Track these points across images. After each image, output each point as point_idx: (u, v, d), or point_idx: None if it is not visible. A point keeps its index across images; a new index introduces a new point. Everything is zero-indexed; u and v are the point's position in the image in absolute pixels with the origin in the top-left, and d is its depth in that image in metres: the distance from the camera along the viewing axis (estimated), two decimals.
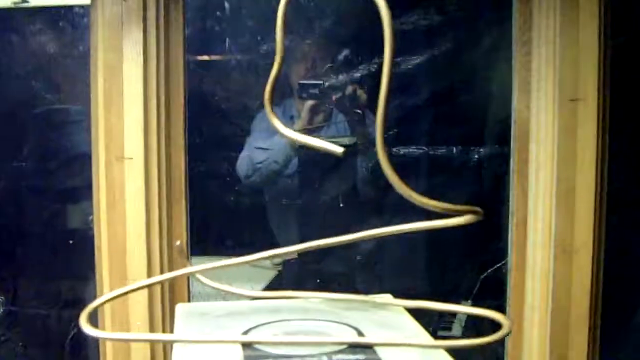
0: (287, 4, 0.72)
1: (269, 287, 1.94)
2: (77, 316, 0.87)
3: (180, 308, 1.04)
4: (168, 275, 1.17)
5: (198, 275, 1.03)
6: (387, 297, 1.05)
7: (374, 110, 1.99)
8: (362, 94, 1.88)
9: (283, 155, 1.96)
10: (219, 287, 1.05)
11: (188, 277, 1.35)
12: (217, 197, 1.96)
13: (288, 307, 1.02)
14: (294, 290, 1.05)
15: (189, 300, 1.43)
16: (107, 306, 1.32)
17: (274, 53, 0.82)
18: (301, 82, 1.86)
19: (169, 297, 1.37)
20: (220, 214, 2.00)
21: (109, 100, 1.30)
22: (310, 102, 1.89)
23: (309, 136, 0.69)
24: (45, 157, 1.86)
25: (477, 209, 0.75)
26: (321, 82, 1.87)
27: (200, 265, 0.97)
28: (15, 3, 2.08)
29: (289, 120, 2.03)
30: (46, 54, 1.86)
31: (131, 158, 1.31)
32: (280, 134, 0.71)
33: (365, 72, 1.89)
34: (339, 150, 0.66)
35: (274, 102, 0.75)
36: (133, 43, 1.28)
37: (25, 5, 2.05)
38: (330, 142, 0.70)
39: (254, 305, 1.05)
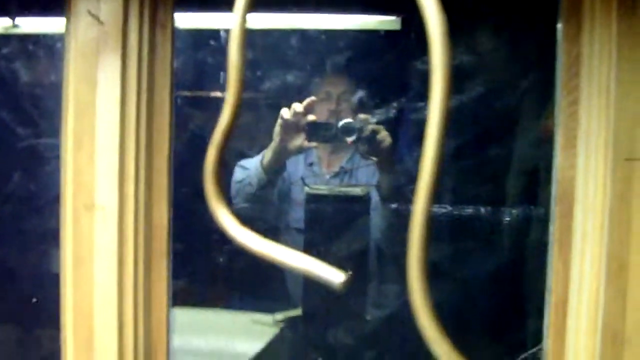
0: (244, 29, 0.48)
1: (268, 347, 1.76)
2: None
3: None
4: None
5: None
6: None
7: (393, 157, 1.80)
8: (382, 136, 1.68)
9: (256, 178, 1.79)
10: None
11: None
12: (205, 253, 1.76)
13: None
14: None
15: None
16: None
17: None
18: (311, 121, 1.65)
19: None
20: (208, 270, 1.80)
21: (79, 140, 1.11)
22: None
23: (294, 254, 0.44)
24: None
25: None
26: (334, 122, 1.67)
27: None
28: (5, 28, 1.93)
29: (308, 167, 1.85)
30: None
31: (103, 207, 1.12)
32: (230, 237, 0.45)
33: (383, 117, 1.70)
34: (338, 280, 0.41)
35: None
36: (109, 74, 1.09)
37: (16, 30, 1.90)
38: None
39: None
